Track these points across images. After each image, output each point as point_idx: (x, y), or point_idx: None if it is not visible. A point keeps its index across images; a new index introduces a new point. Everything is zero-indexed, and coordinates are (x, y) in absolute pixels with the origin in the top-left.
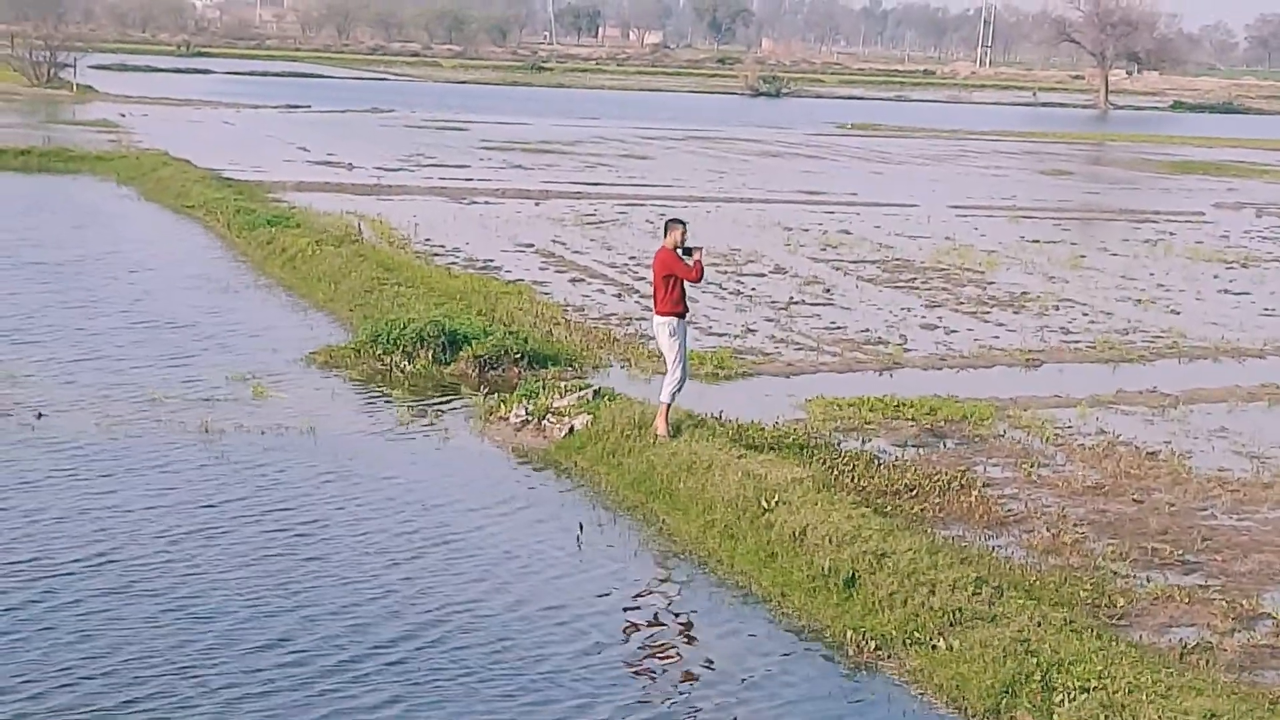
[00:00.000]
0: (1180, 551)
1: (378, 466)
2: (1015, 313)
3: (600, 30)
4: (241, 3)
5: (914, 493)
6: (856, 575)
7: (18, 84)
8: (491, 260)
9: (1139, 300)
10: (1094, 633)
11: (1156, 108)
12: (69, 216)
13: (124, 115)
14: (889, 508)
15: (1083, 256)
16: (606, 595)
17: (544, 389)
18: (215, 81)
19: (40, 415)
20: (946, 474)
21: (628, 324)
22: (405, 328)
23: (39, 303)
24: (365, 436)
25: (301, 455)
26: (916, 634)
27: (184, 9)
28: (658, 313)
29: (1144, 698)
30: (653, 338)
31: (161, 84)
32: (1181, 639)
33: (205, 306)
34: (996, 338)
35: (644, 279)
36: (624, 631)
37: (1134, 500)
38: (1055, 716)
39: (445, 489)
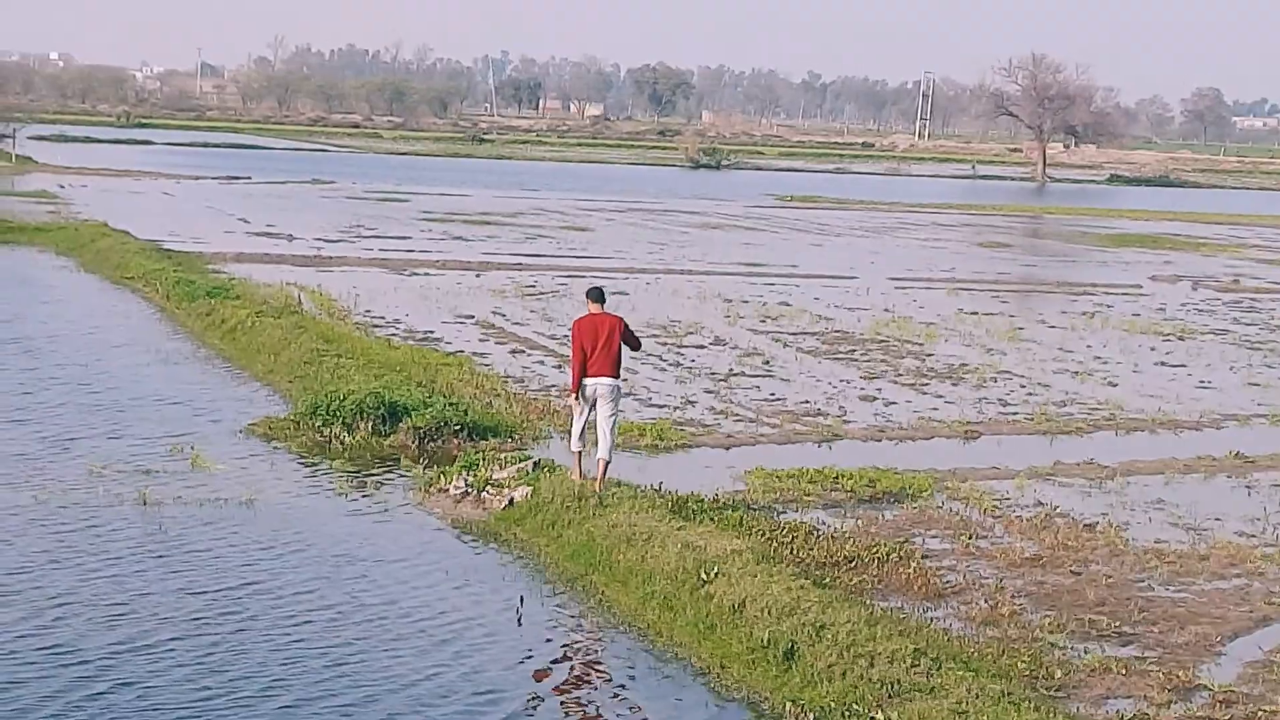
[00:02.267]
0: (1118, 623)
1: (316, 540)
2: (954, 384)
3: (541, 102)
4: (182, 74)
5: (853, 564)
6: (796, 647)
7: None
8: (432, 331)
9: (1076, 372)
10: (1032, 705)
11: (1094, 180)
12: (4, 288)
13: (63, 186)
14: (828, 579)
15: (1020, 328)
16: (544, 670)
17: (484, 460)
18: (155, 152)
19: None
20: (885, 545)
21: (568, 395)
22: (345, 399)
23: None
24: (304, 509)
25: (241, 527)
26: (855, 706)
27: (124, 80)
28: (613, 375)
29: None
30: (610, 401)
31: (101, 155)
32: (1119, 711)
33: (144, 378)
34: (935, 409)
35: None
36: (561, 706)
37: (1071, 572)
38: None
39: (389, 563)
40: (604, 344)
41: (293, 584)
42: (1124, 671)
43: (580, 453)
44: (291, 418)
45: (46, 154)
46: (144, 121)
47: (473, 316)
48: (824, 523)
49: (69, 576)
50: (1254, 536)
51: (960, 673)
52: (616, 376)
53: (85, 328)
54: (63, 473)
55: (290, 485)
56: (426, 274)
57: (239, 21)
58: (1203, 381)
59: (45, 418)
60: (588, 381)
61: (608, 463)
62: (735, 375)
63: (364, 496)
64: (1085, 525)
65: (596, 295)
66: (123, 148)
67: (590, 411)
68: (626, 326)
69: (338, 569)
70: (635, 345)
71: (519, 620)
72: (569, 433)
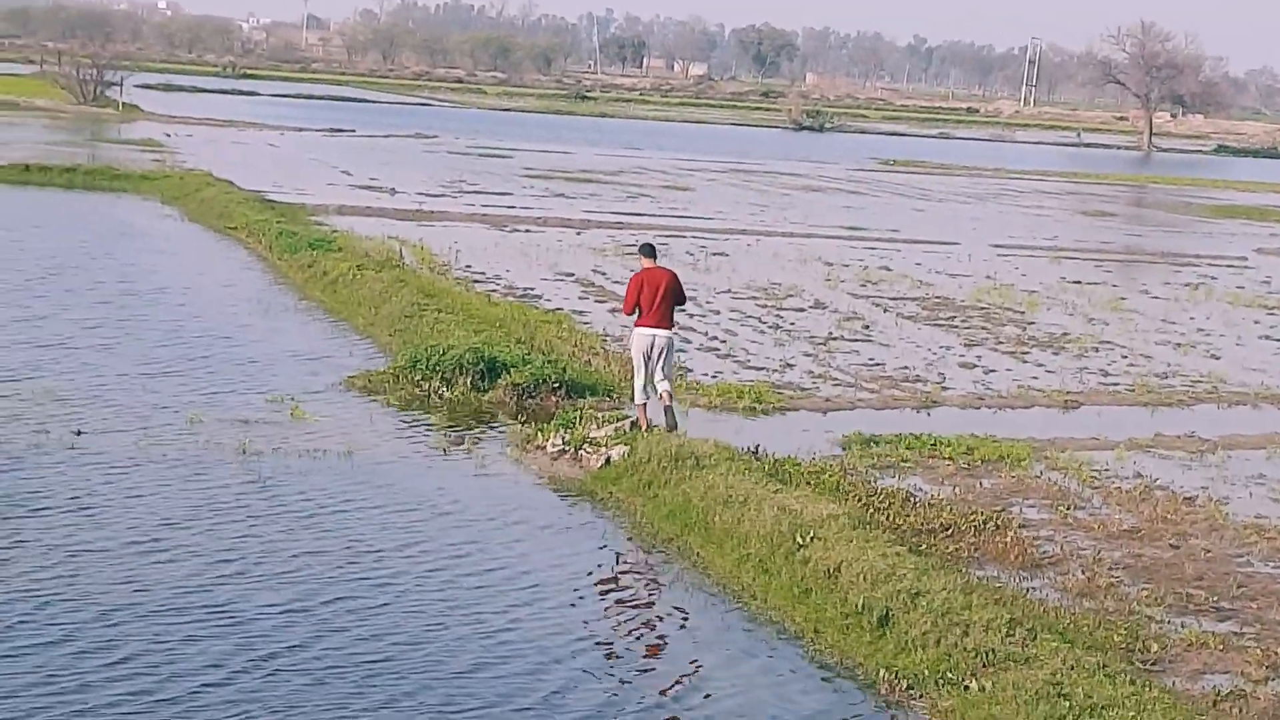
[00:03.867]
0: (1215, 598)
1: (414, 493)
2: (1054, 354)
3: (645, 61)
4: (288, 26)
5: (949, 532)
6: (890, 614)
7: (64, 101)
8: (531, 288)
9: (1179, 344)
10: (1127, 678)
11: (1200, 151)
12: (113, 236)
13: (169, 135)
14: (924, 546)
15: (1123, 299)
16: (638, 629)
17: (581, 419)
18: (260, 103)
19: (79, 433)
20: (982, 514)
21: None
22: (444, 354)
23: (83, 320)
24: (402, 462)
25: (340, 480)
26: (949, 674)
27: (231, 31)
28: (669, 327)
29: None
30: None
31: (207, 105)
32: (1215, 686)
33: (246, 328)
34: (1035, 378)
35: (683, 310)
36: (658, 667)
37: (1170, 545)
38: None
39: (491, 520)
40: (661, 298)
41: (405, 540)
42: (1221, 647)
43: (645, 404)
44: (391, 371)
45: (153, 103)
46: (249, 73)
47: (573, 274)
48: (921, 489)
49: (205, 530)
50: None
51: (1055, 643)
52: (671, 328)
53: (189, 278)
54: (162, 419)
55: (388, 438)
56: (527, 230)
57: None
58: None
59: (146, 364)
60: (645, 332)
61: (670, 393)
62: (834, 339)
63: (461, 451)
64: (1185, 498)
65: (649, 251)
66: (228, 98)
67: (648, 365)
68: (678, 281)
69: (462, 528)
70: (682, 300)
71: (615, 576)
72: (632, 388)
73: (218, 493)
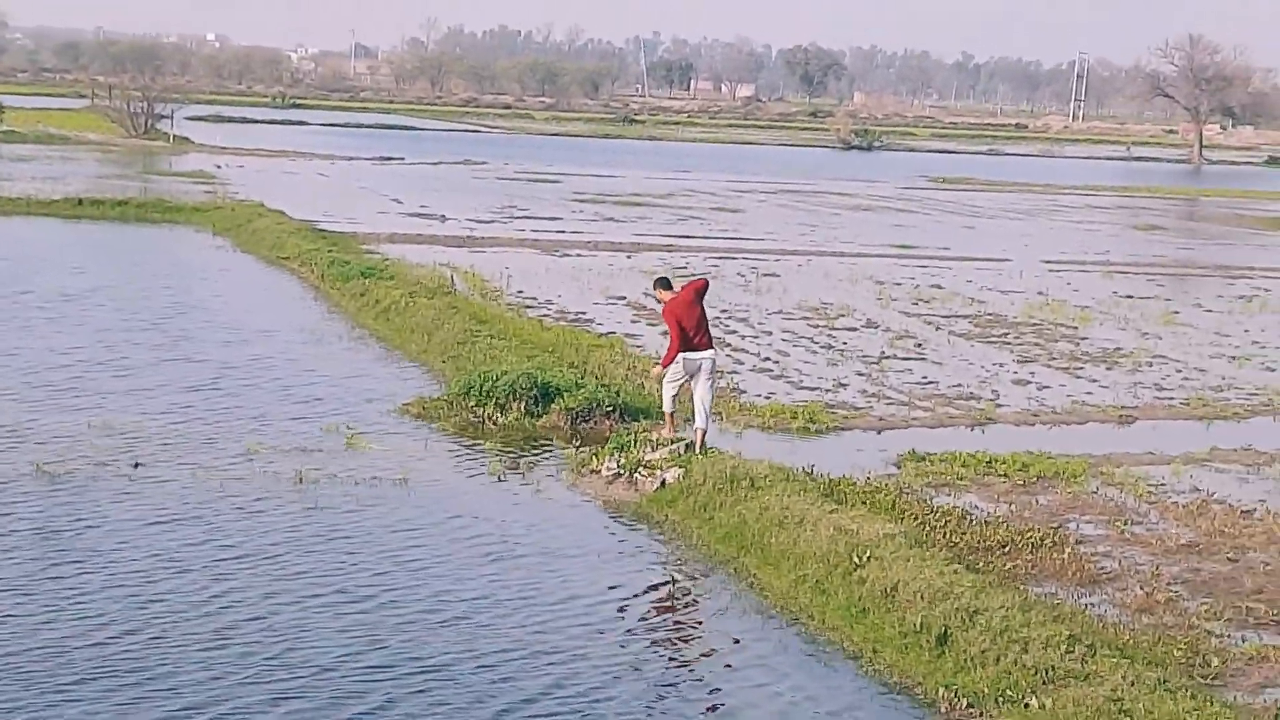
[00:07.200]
0: (1275, 611)
1: (470, 519)
2: (1108, 369)
3: (692, 83)
4: (336, 55)
5: (1006, 549)
6: (949, 632)
7: (115, 135)
8: (584, 313)
9: (1233, 357)
10: (1188, 693)
11: (1251, 163)
12: (164, 266)
13: (220, 166)
14: (981, 564)
15: (1176, 312)
16: (692, 651)
17: (635, 442)
18: (310, 133)
19: (137, 465)
20: (1039, 531)
21: (719, 377)
22: (498, 380)
23: (134, 353)
24: (457, 489)
25: (398, 507)
26: (1009, 692)
27: (279, 61)
28: (713, 347)
29: None
30: (710, 374)
31: (257, 135)
32: (1276, 700)
33: (299, 358)
34: (1089, 394)
35: (735, 332)
36: (712, 688)
37: (1228, 559)
38: None
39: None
40: (700, 318)
41: (459, 567)
42: None
43: (672, 413)
44: (445, 398)
45: (203, 134)
46: (299, 102)
47: (624, 297)
48: (977, 507)
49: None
50: None
51: (1115, 660)
52: (713, 346)
53: (240, 308)
54: (218, 450)
55: (443, 465)
56: (578, 255)
57: (392, 3)
58: None
59: (199, 396)
60: (694, 356)
61: (705, 431)
62: (887, 358)
63: (516, 477)
64: (1242, 512)
65: (666, 284)
66: (278, 128)
67: (689, 381)
68: (706, 285)
69: (518, 554)
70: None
71: (673, 605)
72: (661, 397)
73: (275, 522)
